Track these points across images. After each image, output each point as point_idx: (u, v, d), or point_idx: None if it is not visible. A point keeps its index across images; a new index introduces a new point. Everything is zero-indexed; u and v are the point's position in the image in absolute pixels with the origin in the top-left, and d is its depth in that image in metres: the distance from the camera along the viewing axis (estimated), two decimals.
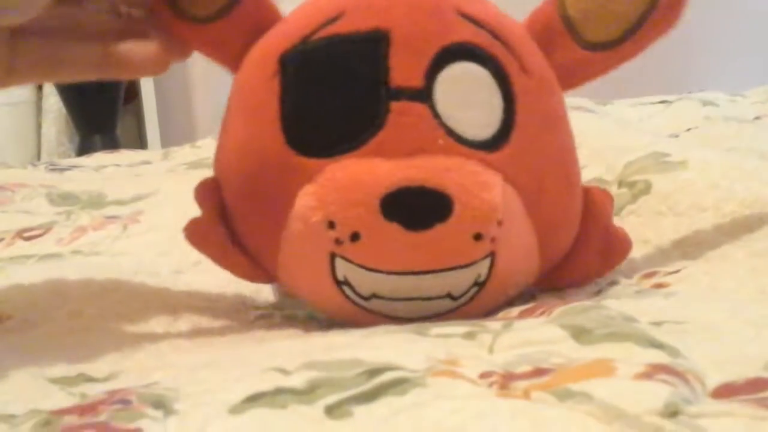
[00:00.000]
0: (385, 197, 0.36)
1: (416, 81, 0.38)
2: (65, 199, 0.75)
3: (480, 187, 0.37)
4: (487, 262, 0.37)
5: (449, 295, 0.38)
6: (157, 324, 0.43)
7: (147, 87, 1.93)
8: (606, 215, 0.43)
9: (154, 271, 0.52)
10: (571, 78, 0.43)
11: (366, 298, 0.38)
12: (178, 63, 0.43)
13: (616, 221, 0.44)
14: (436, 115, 0.37)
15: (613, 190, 0.55)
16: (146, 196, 0.72)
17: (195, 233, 0.42)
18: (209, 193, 0.42)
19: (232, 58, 0.42)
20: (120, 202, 0.72)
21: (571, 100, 0.82)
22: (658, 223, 0.50)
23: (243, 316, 0.45)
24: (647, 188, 0.53)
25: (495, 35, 0.40)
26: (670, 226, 0.49)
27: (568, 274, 0.43)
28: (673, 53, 2.15)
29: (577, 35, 0.42)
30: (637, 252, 0.47)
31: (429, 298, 0.38)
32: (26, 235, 0.64)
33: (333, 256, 0.37)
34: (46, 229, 0.65)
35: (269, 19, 0.42)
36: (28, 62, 0.42)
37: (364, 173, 0.36)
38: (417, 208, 0.36)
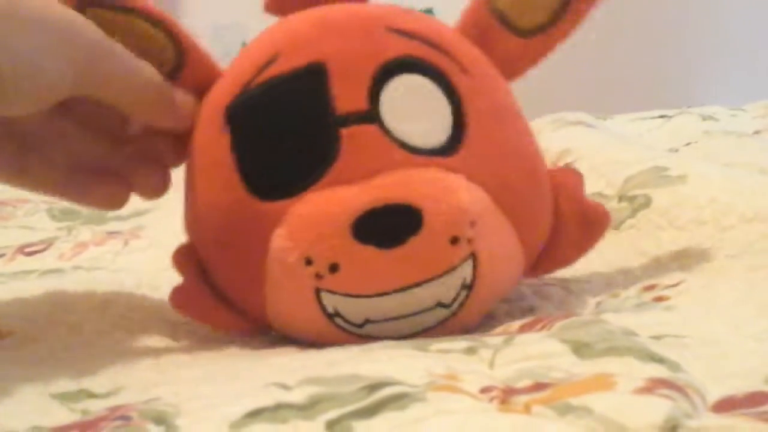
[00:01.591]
0: (355, 222, 0.36)
1: (360, 104, 0.38)
2: (66, 214, 0.75)
3: (445, 192, 0.37)
4: (469, 264, 0.38)
5: (440, 304, 0.38)
6: (158, 339, 0.43)
7: None
8: (578, 193, 0.43)
9: (155, 286, 0.51)
10: (513, 68, 0.43)
11: (359, 326, 0.38)
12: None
13: (616, 235, 0.44)
14: (387, 132, 0.38)
15: (613, 204, 0.55)
16: (147, 212, 0.72)
17: (180, 300, 0.42)
18: (186, 257, 0.42)
19: None
20: (121, 218, 0.72)
21: (571, 114, 0.83)
22: (657, 236, 0.50)
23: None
24: (647, 202, 0.53)
25: (428, 43, 0.40)
26: (669, 240, 0.49)
27: (555, 258, 0.43)
28: (672, 68, 2.15)
29: (509, 25, 0.43)
30: (636, 265, 0.47)
31: (421, 312, 0.38)
32: (27, 250, 0.64)
33: (318, 291, 0.37)
34: (48, 244, 0.65)
35: (211, 76, 0.42)
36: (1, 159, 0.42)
37: (330, 204, 0.37)
38: (388, 226, 0.36)
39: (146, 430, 0.27)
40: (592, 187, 0.57)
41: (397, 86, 0.39)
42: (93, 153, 0.44)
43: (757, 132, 0.82)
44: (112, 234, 0.67)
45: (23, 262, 0.61)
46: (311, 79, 0.39)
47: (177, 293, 0.42)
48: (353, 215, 0.36)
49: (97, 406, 0.32)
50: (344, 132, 0.38)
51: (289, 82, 0.39)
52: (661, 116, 0.93)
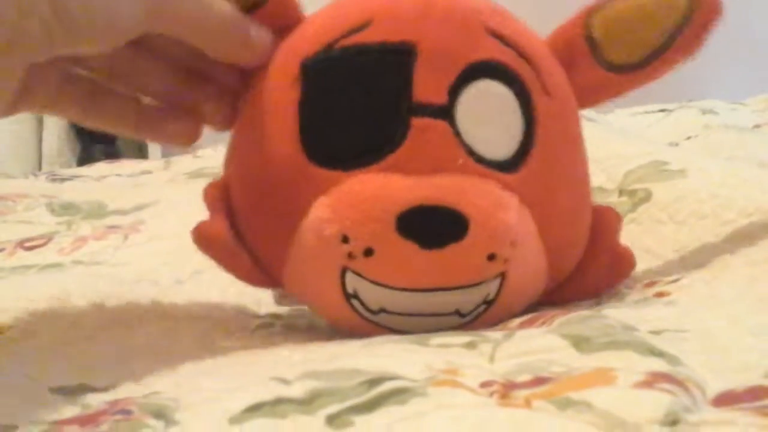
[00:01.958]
0: (402, 215, 0.35)
1: (440, 97, 0.37)
2: (66, 209, 0.75)
3: (496, 207, 0.36)
4: (497, 282, 0.37)
5: (457, 312, 0.38)
6: (158, 333, 0.43)
7: None
8: (614, 234, 0.43)
9: (155, 281, 0.52)
10: (588, 97, 0.43)
11: (374, 312, 0.38)
12: None
13: None
14: (457, 133, 0.37)
15: (614, 198, 0.55)
16: (147, 206, 0.72)
17: (202, 235, 0.41)
18: (218, 195, 0.41)
19: None
20: (121, 212, 0.72)
21: None
22: (658, 231, 0.50)
23: (243, 325, 0.45)
24: (647, 197, 0.53)
25: (521, 54, 0.39)
26: (670, 235, 0.49)
27: (573, 291, 0.43)
28: None
29: (599, 56, 0.42)
30: (637, 260, 0.47)
31: (437, 315, 0.38)
32: (27, 245, 0.64)
33: (344, 270, 0.37)
34: (47, 239, 0.65)
35: (293, 18, 0.41)
36: (71, 95, 0.42)
37: (382, 189, 0.36)
38: (433, 226, 0.36)
39: (146, 424, 0.27)
40: (592, 181, 0.57)
41: (478, 89, 0.38)
42: (165, 88, 0.43)
43: (757, 126, 0.82)
44: (111, 228, 0.67)
45: (23, 257, 0.61)
46: (398, 58, 0.38)
47: (201, 228, 0.41)
48: (402, 207, 0.36)
49: (96, 400, 0.32)
50: (416, 121, 0.37)
51: (375, 54, 0.38)
52: (662, 110, 0.93)
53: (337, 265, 0.37)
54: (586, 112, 0.84)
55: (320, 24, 0.40)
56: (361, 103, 0.38)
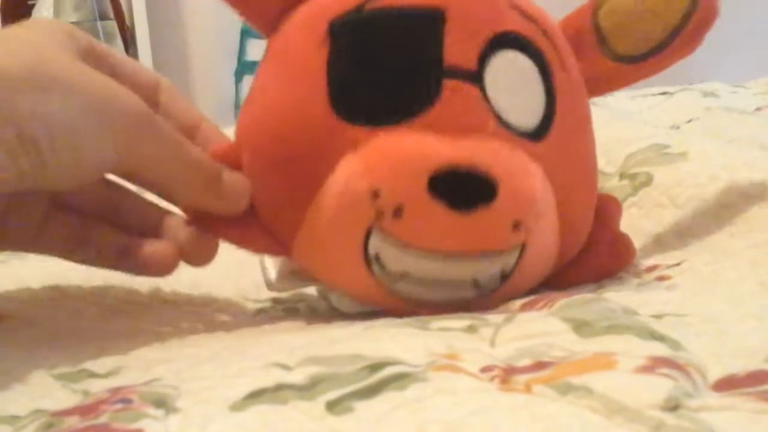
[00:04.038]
0: (434, 174, 0.35)
1: (470, 63, 0.38)
2: None
3: (525, 175, 0.37)
4: (516, 254, 0.38)
5: (475, 283, 0.38)
6: (159, 318, 0.43)
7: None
8: (615, 223, 0.43)
9: None
10: (593, 86, 0.43)
11: (393, 279, 0.37)
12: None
13: None
14: (487, 99, 0.37)
15: (615, 182, 0.55)
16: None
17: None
18: (229, 157, 0.40)
19: (270, 21, 0.41)
20: None
21: None
22: (659, 214, 0.50)
23: (244, 310, 0.45)
24: (648, 180, 0.53)
25: (542, 29, 0.40)
26: (671, 218, 0.49)
27: (573, 276, 0.43)
28: None
29: (606, 46, 0.43)
30: (638, 244, 0.47)
31: (456, 283, 0.38)
32: None
33: (368, 232, 0.37)
34: None
35: None
36: (57, 235, 0.42)
37: (416, 147, 0.36)
38: (464, 188, 0.36)
39: (146, 413, 0.27)
40: None
41: (505, 59, 0.39)
42: (146, 221, 0.43)
43: (758, 109, 0.82)
44: None
45: None
46: (429, 22, 0.38)
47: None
48: (435, 166, 0.35)
49: (98, 387, 0.32)
50: (448, 83, 0.37)
51: (406, 17, 0.38)
52: (663, 93, 0.93)
53: (362, 225, 0.37)
54: None
55: None
56: (393, 63, 0.38)
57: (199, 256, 0.42)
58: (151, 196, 0.43)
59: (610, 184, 0.54)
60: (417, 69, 0.38)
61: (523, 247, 0.37)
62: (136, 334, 0.40)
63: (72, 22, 1.03)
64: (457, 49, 0.38)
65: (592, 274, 0.43)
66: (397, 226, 0.36)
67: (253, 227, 0.40)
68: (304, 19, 0.40)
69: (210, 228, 0.41)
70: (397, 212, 0.36)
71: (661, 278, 0.41)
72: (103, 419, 0.27)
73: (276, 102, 0.39)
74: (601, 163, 0.57)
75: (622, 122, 0.67)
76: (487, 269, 0.38)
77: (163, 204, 0.43)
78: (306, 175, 0.38)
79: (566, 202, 0.39)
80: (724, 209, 0.47)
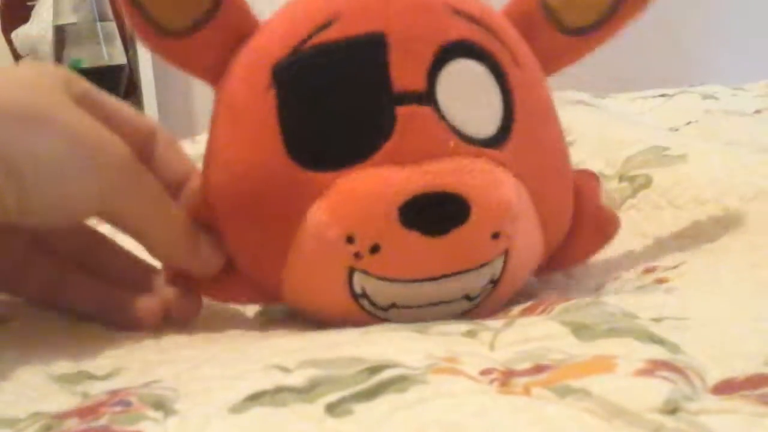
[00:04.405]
0: (404, 206, 0.35)
1: (419, 83, 0.37)
2: None
3: (494, 185, 0.36)
4: (501, 260, 0.37)
5: (466, 296, 0.38)
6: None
7: (147, 81, 1.93)
8: (596, 197, 0.43)
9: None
10: (550, 63, 0.43)
11: (384, 309, 0.38)
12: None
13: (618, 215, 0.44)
14: (442, 117, 0.37)
15: (614, 184, 0.55)
16: None
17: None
18: (202, 213, 0.41)
19: (209, 69, 0.41)
20: None
21: (571, 94, 0.82)
22: (658, 217, 0.50)
23: (243, 312, 0.45)
24: (647, 182, 0.53)
25: (488, 29, 0.40)
26: (670, 220, 0.49)
27: (565, 258, 0.43)
28: (673, 47, 2.14)
29: (556, 21, 0.42)
30: (637, 246, 0.47)
31: (447, 302, 0.38)
32: None
33: (351, 271, 0.36)
34: None
35: (248, 26, 0.40)
36: (37, 279, 0.42)
37: (380, 183, 0.36)
38: (435, 213, 0.36)
39: (146, 415, 0.27)
40: (592, 166, 0.57)
41: (454, 70, 0.38)
42: (127, 272, 0.43)
43: (758, 111, 0.82)
44: None
45: None
46: (370, 50, 0.37)
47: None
48: (402, 198, 0.35)
49: (97, 389, 0.32)
50: (400, 110, 0.37)
51: (347, 50, 0.38)
52: (662, 95, 0.93)
53: (343, 267, 0.36)
54: (584, 98, 0.84)
55: (283, 27, 0.39)
56: (343, 100, 0.37)
57: (184, 313, 0.42)
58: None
59: (609, 185, 0.54)
60: (367, 103, 0.37)
61: (506, 253, 0.37)
62: (134, 336, 0.40)
63: (71, 23, 1.03)
64: (404, 73, 0.37)
65: (582, 252, 0.44)
66: (377, 264, 0.36)
67: (235, 281, 0.41)
68: (246, 68, 0.39)
69: (191, 286, 0.42)
70: (374, 250, 0.35)
71: (660, 280, 0.41)
72: (102, 421, 0.27)
73: (234, 159, 0.39)
74: (600, 164, 0.57)
75: (621, 124, 0.67)
76: (476, 282, 0.38)
77: (145, 256, 0.43)
78: (279, 226, 0.38)
79: (541, 196, 0.39)
80: (723, 211, 0.47)
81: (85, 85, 0.40)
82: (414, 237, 0.35)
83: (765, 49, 2.11)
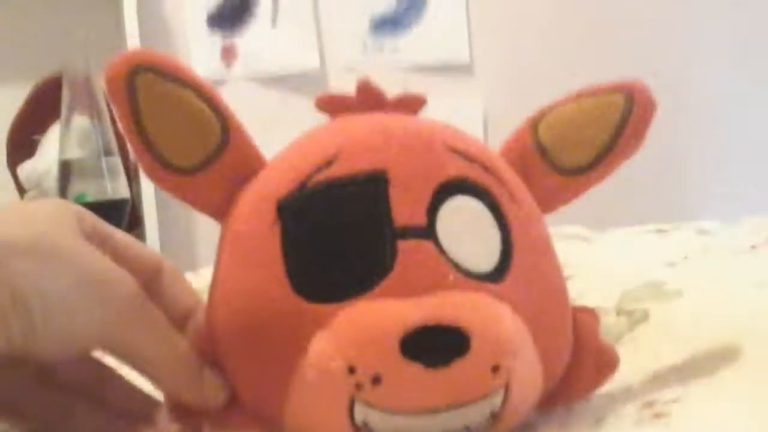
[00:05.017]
0: (405, 338, 0.35)
1: (420, 219, 0.38)
2: None
3: (494, 319, 0.37)
4: (501, 394, 0.37)
5: (467, 429, 0.38)
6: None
7: (150, 214, 1.95)
8: (596, 333, 0.43)
9: None
10: (549, 202, 0.44)
11: None
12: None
13: (616, 349, 0.44)
14: (442, 251, 0.38)
15: (611, 318, 0.55)
16: None
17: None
18: (204, 347, 0.41)
19: (216, 206, 0.42)
20: None
21: (567, 228, 0.83)
22: (656, 351, 0.50)
23: None
24: (645, 317, 0.53)
25: (485, 167, 0.41)
26: (668, 355, 0.49)
27: (565, 394, 0.43)
28: (667, 181, 2.17)
29: (551, 162, 0.44)
30: (635, 380, 0.47)
31: None
32: None
33: (352, 401, 0.36)
34: None
35: (254, 164, 0.42)
36: (41, 408, 0.43)
37: (382, 316, 0.36)
38: (436, 346, 0.36)
39: None
40: (589, 301, 0.57)
41: (454, 206, 0.39)
42: (131, 404, 0.44)
43: (753, 247, 0.83)
44: None
45: None
46: (372, 187, 0.39)
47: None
48: (404, 330, 0.36)
49: None
50: (402, 245, 0.38)
51: (349, 187, 0.39)
52: (657, 231, 0.93)
53: (345, 398, 0.36)
54: (580, 231, 0.84)
55: (288, 164, 0.41)
56: (345, 235, 0.38)
57: None
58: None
59: (606, 320, 0.55)
60: (369, 238, 0.38)
61: (507, 387, 0.37)
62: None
63: (76, 158, 1.05)
64: (405, 209, 0.38)
65: (582, 389, 0.44)
66: (378, 395, 0.36)
67: (236, 413, 0.41)
68: (251, 204, 0.41)
69: (194, 420, 0.41)
70: (376, 381, 0.36)
71: (659, 415, 0.41)
72: None
73: (237, 292, 0.40)
74: (597, 299, 0.57)
75: (618, 259, 0.67)
76: (476, 415, 0.38)
77: (150, 388, 0.43)
78: (281, 358, 0.38)
79: (541, 330, 0.39)
80: (721, 346, 0.47)
81: (95, 219, 0.41)
82: (415, 369, 0.36)
83: (758, 183, 2.14)
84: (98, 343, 0.39)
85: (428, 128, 0.42)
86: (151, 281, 0.43)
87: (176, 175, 0.41)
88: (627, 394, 0.45)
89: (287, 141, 0.43)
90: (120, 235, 0.42)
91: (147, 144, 0.41)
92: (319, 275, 0.38)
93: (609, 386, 0.45)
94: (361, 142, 0.40)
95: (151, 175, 0.41)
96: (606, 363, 0.43)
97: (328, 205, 0.39)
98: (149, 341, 0.39)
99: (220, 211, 0.42)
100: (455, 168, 0.40)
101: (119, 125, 0.41)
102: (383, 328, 0.36)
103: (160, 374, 0.40)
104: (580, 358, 0.43)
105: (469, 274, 0.38)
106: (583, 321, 0.43)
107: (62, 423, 0.42)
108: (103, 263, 0.38)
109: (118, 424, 0.42)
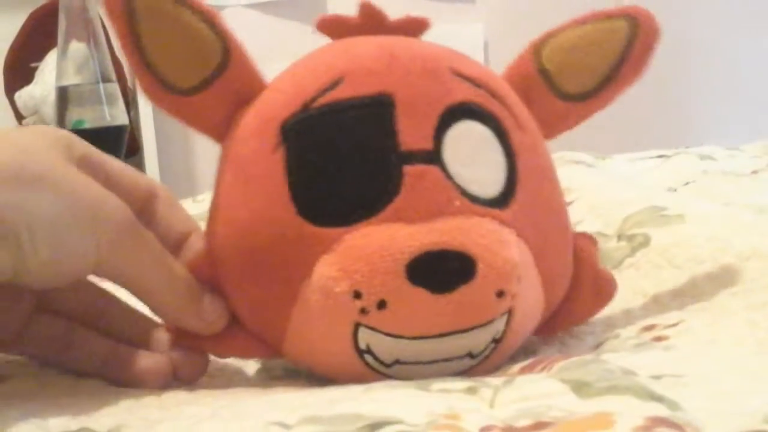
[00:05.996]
0: (411, 263, 0.36)
1: (426, 143, 0.38)
2: None
3: (500, 245, 0.37)
4: (504, 319, 0.38)
5: (469, 354, 0.38)
6: None
7: (149, 141, 1.95)
8: (595, 259, 0.43)
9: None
10: (552, 128, 0.44)
11: (388, 365, 0.38)
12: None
13: (616, 274, 0.45)
14: (449, 176, 0.38)
15: (612, 243, 0.55)
16: None
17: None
18: (203, 270, 0.41)
19: (215, 127, 0.42)
20: None
21: (570, 154, 0.83)
22: (657, 275, 0.50)
23: (244, 368, 0.45)
24: (646, 241, 0.53)
25: (491, 92, 0.40)
26: (668, 279, 0.49)
27: (564, 320, 0.43)
28: (671, 108, 2.16)
29: (554, 87, 0.43)
30: (636, 305, 0.47)
31: (450, 359, 0.38)
32: None
33: (357, 326, 0.37)
34: None
35: (254, 85, 0.41)
36: (39, 336, 0.42)
37: (388, 240, 0.36)
38: (442, 271, 0.36)
39: None
40: (591, 226, 0.57)
41: (460, 131, 0.39)
42: (133, 330, 0.43)
43: (754, 172, 0.83)
44: None
45: None
46: (378, 110, 0.38)
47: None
48: (410, 255, 0.36)
49: None
50: (408, 169, 0.37)
51: (355, 109, 0.38)
52: (660, 156, 0.93)
53: (349, 322, 0.37)
54: (584, 158, 0.84)
55: (290, 86, 0.40)
56: (351, 158, 0.38)
57: (191, 372, 0.42)
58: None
59: (608, 245, 0.55)
60: (375, 161, 0.38)
61: (510, 312, 0.38)
62: (135, 393, 0.40)
63: (74, 84, 1.04)
64: (411, 132, 0.38)
65: (580, 315, 0.44)
66: (383, 320, 0.36)
67: (239, 336, 0.41)
68: (254, 125, 0.40)
69: (194, 344, 0.41)
70: (381, 306, 0.36)
71: (659, 338, 0.41)
72: None
73: (241, 215, 0.39)
74: (599, 224, 0.57)
75: (620, 184, 0.67)
76: (479, 340, 0.38)
77: (150, 313, 0.43)
78: (284, 282, 0.38)
79: (543, 255, 0.40)
80: (721, 270, 0.48)
81: (86, 146, 0.41)
82: (421, 294, 0.36)
83: (761, 108, 2.13)
84: (90, 268, 0.38)
85: (434, 53, 0.41)
86: (145, 207, 0.42)
87: (176, 95, 0.41)
88: (627, 318, 0.46)
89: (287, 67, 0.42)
90: (113, 162, 0.42)
91: (147, 65, 0.40)
92: (324, 198, 0.38)
93: (609, 311, 0.45)
94: (366, 64, 0.40)
95: (151, 96, 0.41)
96: (604, 288, 0.44)
97: (334, 127, 0.38)
98: (144, 267, 0.39)
99: (221, 132, 0.42)
100: (461, 93, 0.40)
101: (119, 46, 0.40)
102: (389, 253, 0.36)
103: (158, 300, 0.40)
104: (579, 284, 0.43)
105: (474, 199, 0.38)
106: (582, 247, 0.43)
107: (65, 352, 0.42)
108: (94, 189, 0.38)
109: (120, 350, 0.42)
